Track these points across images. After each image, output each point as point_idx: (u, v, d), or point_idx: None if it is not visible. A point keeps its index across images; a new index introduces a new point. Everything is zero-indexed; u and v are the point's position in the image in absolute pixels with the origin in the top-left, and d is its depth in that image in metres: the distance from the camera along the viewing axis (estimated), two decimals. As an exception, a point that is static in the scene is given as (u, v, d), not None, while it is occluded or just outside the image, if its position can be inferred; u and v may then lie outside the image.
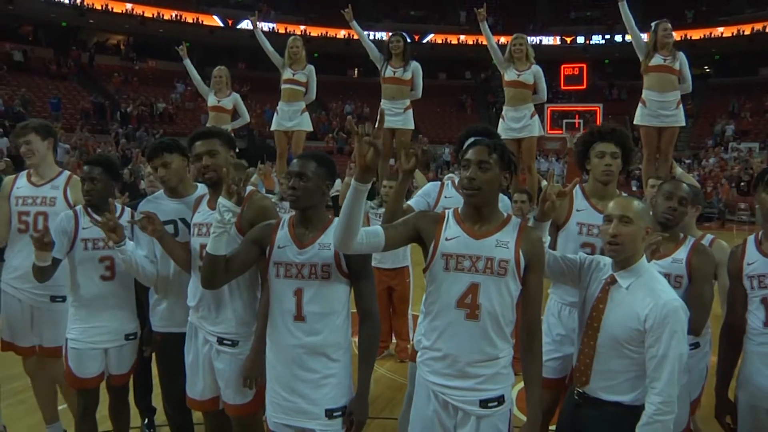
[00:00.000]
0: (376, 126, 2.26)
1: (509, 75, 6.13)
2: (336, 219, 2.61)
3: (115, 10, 29.22)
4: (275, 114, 7.06)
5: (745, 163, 22.63)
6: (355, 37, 7.12)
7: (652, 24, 5.85)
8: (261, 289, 2.96)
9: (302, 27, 31.13)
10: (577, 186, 3.20)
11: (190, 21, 31.06)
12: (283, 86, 6.90)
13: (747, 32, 30.09)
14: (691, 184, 3.83)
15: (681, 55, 5.76)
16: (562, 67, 31.07)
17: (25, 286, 3.65)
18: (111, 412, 3.58)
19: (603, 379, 2.50)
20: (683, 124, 5.88)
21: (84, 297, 3.34)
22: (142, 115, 26.86)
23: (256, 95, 28.17)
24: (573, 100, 29.83)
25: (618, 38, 29.88)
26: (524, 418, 2.49)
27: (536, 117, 6.18)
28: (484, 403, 2.42)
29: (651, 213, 2.82)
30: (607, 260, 2.64)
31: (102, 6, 28.84)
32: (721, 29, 31.12)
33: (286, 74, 6.84)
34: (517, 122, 6.08)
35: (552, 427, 3.13)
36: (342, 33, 31.36)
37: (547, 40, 33.37)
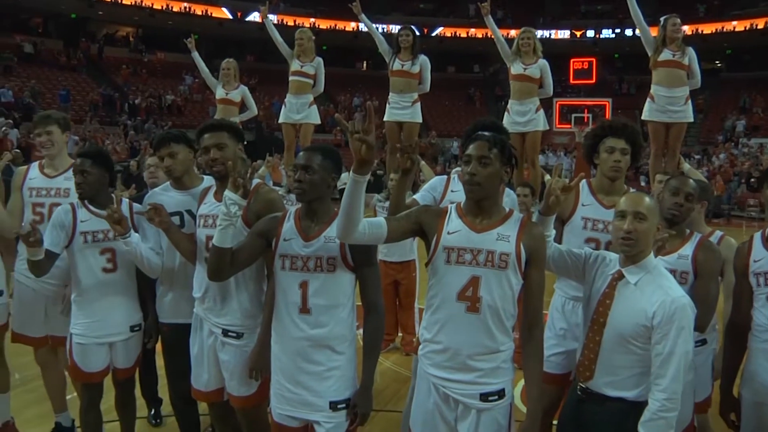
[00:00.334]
0: (365, 121, 2.26)
1: (516, 68, 6.11)
2: None
3: (124, 2, 29.21)
4: (283, 106, 7.07)
5: (755, 159, 22.47)
6: (364, 29, 7.11)
7: (661, 19, 5.81)
8: (267, 282, 2.98)
9: (311, 19, 31.06)
10: (584, 181, 3.19)
11: (199, 13, 31.05)
12: (291, 78, 6.91)
13: (760, 26, 29.72)
14: (699, 179, 3.81)
15: (690, 51, 5.72)
16: (572, 61, 30.92)
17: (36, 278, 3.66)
18: (118, 405, 3.59)
19: (607, 374, 2.50)
20: (691, 119, 5.85)
21: (86, 290, 3.32)
22: (151, 107, 26.93)
23: (264, 87, 28.19)
24: (582, 94, 29.71)
25: (628, 32, 29.63)
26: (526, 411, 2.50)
27: (541, 111, 6.16)
28: (484, 397, 2.43)
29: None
30: (613, 256, 2.63)
31: (111, -2, 28.89)
32: (733, 23, 30.80)
33: (294, 66, 6.84)
34: (522, 116, 6.06)
35: (555, 422, 3.13)
36: (351, 26, 31.29)
37: (557, 34, 33.15)
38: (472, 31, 33.02)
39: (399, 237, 2.57)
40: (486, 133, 2.52)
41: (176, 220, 3.26)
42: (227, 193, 2.62)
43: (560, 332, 3.25)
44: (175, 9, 30.45)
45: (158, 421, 4.32)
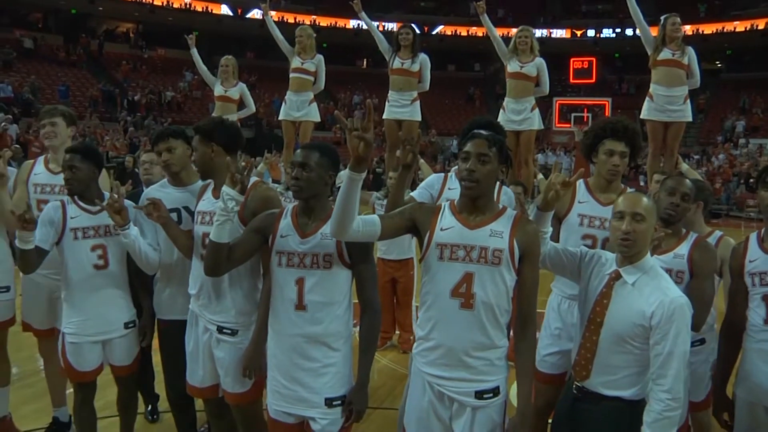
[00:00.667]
0: (365, 119, 2.27)
1: (512, 66, 6.11)
2: None
3: (124, -2, 29.23)
4: (283, 104, 7.06)
5: (754, 161, 22.47)
6: (364, 27, 7.11)
7: (661, 18, 5.81)
8: (263, 279, 2.98)
9: (312, 17, 31.03)
10: (581, 180, 3.20)
11: (200, 9, 31.02)
12: (291, 75, 6.90)
13: (761, 27, 29.70)
14: (696, 179, 3.81)
15: (690, 50, 5.71)
16: (572, 60, 30.92)
17: (44, 271, 3.62)
18: (119, 404, 3.59)
19: (604, 373, 2.51)
20: (690, 119, 5.84)
21: (78, 288, 3.29)
22: (151, 103, 26.90)
23: (264, 85, 28.17)
24: (582, 93, 29.70)
25: (629, 32, 29.61)
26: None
27: (536, 110, 6.16)
28: (479, 395, 2.44)
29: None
30: (609, 255, 2.64)
31: (112, -7, 28.85)
32: (734, 24, 30.79)
33: (295, 63, 6.84)
34: (517, 114, 6.06)
35: (549, 421, 3.14)
36: (351, 23, 31.26)
37: (557, 34, 33.14)
38: (473, 29, 32.96)
39: (392, 234, 2.57)
40: (484, 132, 2.52)
41: (174, 216, 3.25)
42: (225, 188, 2.62)
43: (555, 332, 3.26)
44: (176, 5, 30.41)
45: (155, 417, 4.33)
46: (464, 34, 33.55)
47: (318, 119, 7.04)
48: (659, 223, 2.81)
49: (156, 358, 3.67)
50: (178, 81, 29.27)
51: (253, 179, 3.01)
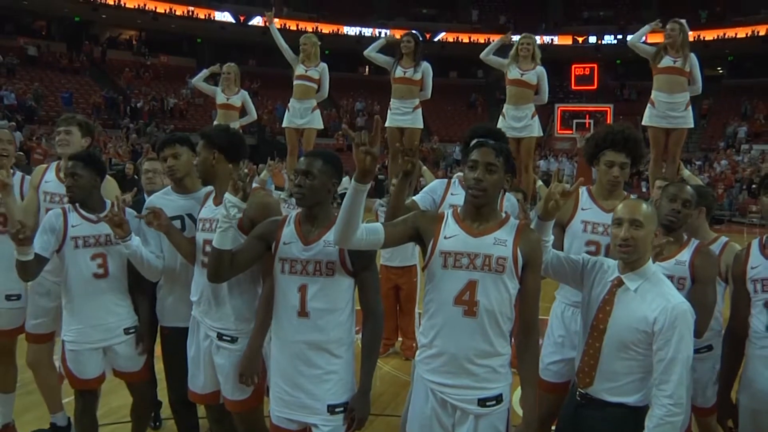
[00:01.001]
0: (372, 133, 2.29)
1: (513, 73, 6.12)
2: None
3: (127, 6, 29.32)
4: (287, 111, 7.08)
5: (756, 167, 22.46)
6: (366, 34, 7.13)
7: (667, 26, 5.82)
8: (262, 285, 2.98)
9: (314, 24, 31.14)
10: (584, 188, 3.21)
11: (202, 17, 31.15)
12: (295, 82, 6.92)
13: (762, 33, 29.75)
14: (700, 185, 3.80)
15: (692, 57, 5.70)
16: (573, 67, 30.94)
17: (53, 279, 3.65)
18: (133, 411, 3.60)
19: (607, 380, 2.52)
20: (692, 125, 5.85)
21: (77, 296, 3.29)
22: (153, 110, 27.01)
23: (267, 92, 28.26)
24: (584, 100, 29.70)
25: (630, 38, 29.66)
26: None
27: (536, 117, 6.18)
28: (482, 402, 2.44)
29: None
30: (611, 262, 2.65)
31: (115, 1, 28.97)
32: (735, 30, 30.84)
33: (299, 70, 6.85)
34: (518, 121, 6.07)
35: (553, 428, 3.14)
36: (353, 30, 31.37)
37: (559, 40, 33.19)
38: (475, 36, 33.07)
39: (396, 242, 2.59)
40: (491, 141, 2.54)
41: (177, 224, 3.27)
42: (227, 195, 2.64)
43: (558, 340, 3.25)
44: (178, 12, 30.55)
45: (158, 424, 4.32)
46: (466, 41, 33.62)
47: (321, 127, 7.05)
48: (660, 229, 2.81)
49: (158, 365, 3.67)
50: (181, 88, 29.37)
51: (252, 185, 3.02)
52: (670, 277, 2.75)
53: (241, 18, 31.48)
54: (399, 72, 6.44)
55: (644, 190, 18.06)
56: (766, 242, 2.94)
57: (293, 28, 28.15)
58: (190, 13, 30.82)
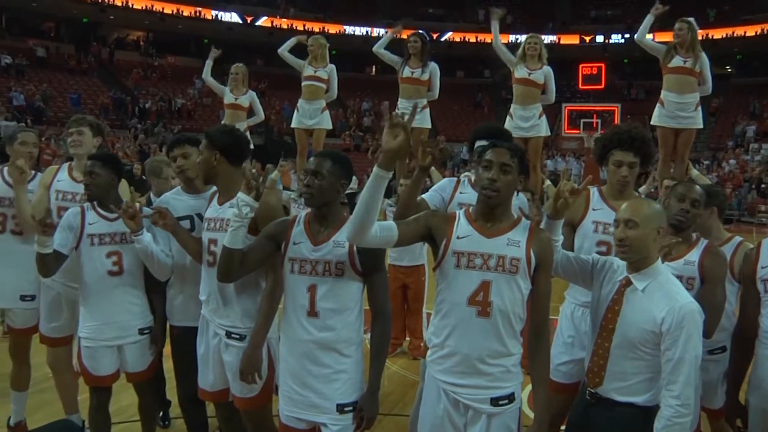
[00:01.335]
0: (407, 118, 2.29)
1: (520, 72, 6.12)
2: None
3: (135, 7, 29.48)
4: (296, 111, 7.09)
5: (765, 166, 22.34)
6: (373, 34, 7.15)
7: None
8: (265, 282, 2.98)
9: (321, 24, 31.18)
10: (595, 187, 3.21)
11: (209, 18, 31.25)
12: (304, 83, 6.93)
13: (771, 31, 29.64)
14: (711, 185, 3.78)
15: (703, 57, 5.65)
16: (581, 66, 30.85)
17: (63, 279, 3.69)
18: (140, 410, 3.64)
19: (617, 380, 2.52)
20: (701, 126, 5.82)
21: (93, 293, 3.35)
22: (161, 110, 27.11)
23: (274, 92, 28.29)
24: (591, 99, 29.62)
25: (637, 35, 29.53)
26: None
27: (544, 117, 6.17)
28: (495, 401, 2.45)
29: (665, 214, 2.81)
30: (620, 262, 2.64)
31: (122, 2, 29.12)
32: (744, 28, 30.66)
33: (308, 71, 6.87)
34: (525, 121, 6.07)
35: (562, 428, 3.14)
36: (360, 30, 31.40)
37: (567, 39, 33.10)
38: (481, 36, 33.02)
39: (409, 241, 2.57)
40: (505, 142, 2.55)
41: (187, 223, 3.30)
42: (240, 194, 2.66)
43: (568, 340, 3.25)
44: (185, 13, 30.67)
45: (167, 423, 4.35)
46: (473, 40, 33.62)
47: (330, 127, 7.08)
48: (670, 229, 2.80)
49: (167, 365, 3.69)
50: (189, 88, 29.49)
51: None
52: (679, 277, 2.74)
53: (248, 18, 31.56)
54: (407, 72, 6.45)
55: (652, 189, 17.99)
56: (775, 242, 2.93)
57: (300, 28, 28.21)
58: (198, 14, 30.93)
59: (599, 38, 33.13)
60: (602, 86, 31.01)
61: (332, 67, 6.94)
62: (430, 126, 6.66)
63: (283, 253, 2.68)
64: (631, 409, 2.49)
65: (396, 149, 2.27)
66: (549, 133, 6.50)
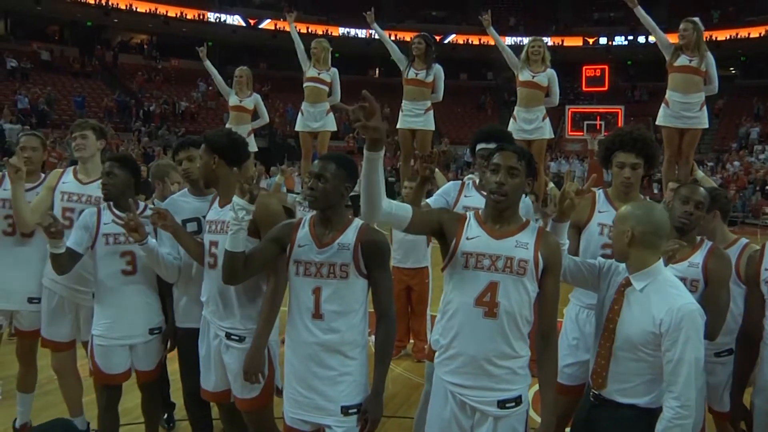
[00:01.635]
0: (365, 108, 2.28)
1: (524, 75, 6.14)
2: (356, 219, 2.66)
3: (139, 10, 29.59)
4: (300, 115, 7.12)
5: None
6: (377, 37, 7.18)
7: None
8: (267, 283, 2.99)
9: (324, 27, 31.23)
10: (600, 189, 3.21)
11: (213, 20, 31.32)
12: (306, 84, 6.96)
13: (775, 33, 29.57)
14: (714, 187, 3.77)
15: (709, 56, 5.63)
16: (584, 68, 30.79)
17: (65, 282, 3.71)
18: (143, 409, 3.67)
19: (619, 381, 2.52)
20: (706, 126, 5.80)
21: (107, 292, 3.40)
22: (165, 113, 27.17)
23: (277, 94, 28.33)
24: (594, 101, 29.56)
25: (641, 39, 29.50)
26: (539, 420, 2.50)
27: (547, 119, 6.19)
28: (501, 404, 2.45)
29: (667, 216, 2.81)
30: (623, 264, 2.65)
31: (126, 6, 29.22)
32: (748, 30, 30.60)
33: (311, 73, 6.89)
34: (529, 123, 6.09)
35: (567, 429, 3.13)
36: (363, 33, 31.41)
37: (570, 42, 33.08)
38: (485, 38, 32.96)
39: (420, 228, 2.60)
40: (512, 145, 2.56)
41: (194, 225, 3.33)
42: (235, 198, 2.66)
43: (573, 342, 3.25)
44: (189, 16, 30.75)
45: (171, 425, 4.36)
46: (476, 42, 33.59)
47: (335, 129, 7.11)
48: (674, 232, 2.81)
49: (172, 366, 3.70)
50: (192, 91, 29.54)
51: None
52: (683, 280, 2.74)
53: (252, 21, 31.62)
54: (411, 73, 6.47)
55: (656, 192, 17.96)
56: (780, 244, 2.93)
57: (303, 30, 28.20)
58: (201, 17, 31.00)
59: (602, 40, 33.12)
60: (605, 88, 30.90)
61: (335, 71, 6.98)
62: (433, 128, 6.67)
63: (288, 255, 2.69)
64: (633, 410, 2.49)
65: (373, 138, 2.27)
66: (552, 136, 6.52)
